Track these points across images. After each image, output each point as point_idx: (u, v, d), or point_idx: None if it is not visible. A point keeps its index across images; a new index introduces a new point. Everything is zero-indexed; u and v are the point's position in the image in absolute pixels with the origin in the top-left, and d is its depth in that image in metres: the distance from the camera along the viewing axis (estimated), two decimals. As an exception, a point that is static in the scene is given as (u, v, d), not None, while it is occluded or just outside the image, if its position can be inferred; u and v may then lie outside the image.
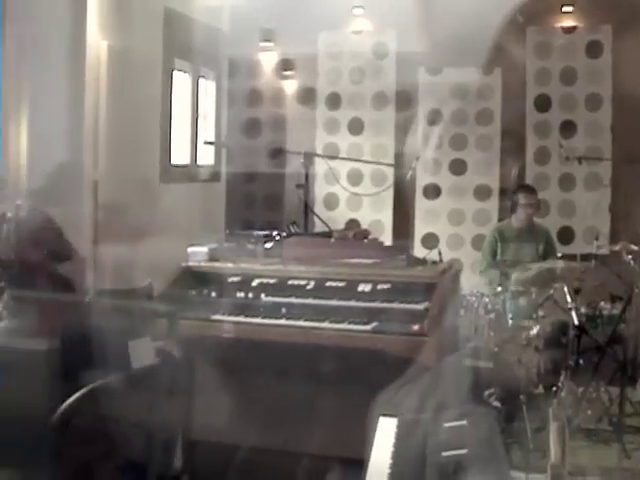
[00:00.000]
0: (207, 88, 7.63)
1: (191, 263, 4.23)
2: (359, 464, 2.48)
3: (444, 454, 2.22)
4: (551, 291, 5.16)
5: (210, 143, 7.49)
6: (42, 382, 2.38)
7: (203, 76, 7.49)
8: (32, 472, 2.35)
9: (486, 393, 4.40)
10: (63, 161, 4.67)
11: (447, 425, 2.38)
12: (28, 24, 4.48)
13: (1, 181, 4.34)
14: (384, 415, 2.83)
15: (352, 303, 4.01)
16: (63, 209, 3.17)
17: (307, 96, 7.79)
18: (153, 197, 5.55)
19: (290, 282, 4.11)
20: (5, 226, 2.57)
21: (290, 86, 7.93)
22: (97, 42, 5.21)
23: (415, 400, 2.76)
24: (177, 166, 6.71)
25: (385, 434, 2.67)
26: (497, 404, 4.45)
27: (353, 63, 7.61)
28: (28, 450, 2.29)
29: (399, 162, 7.09)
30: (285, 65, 7.87)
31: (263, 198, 7.89)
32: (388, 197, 7.45)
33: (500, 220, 6.77)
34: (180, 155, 6.85)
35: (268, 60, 7.92)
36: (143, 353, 2.65)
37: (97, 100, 5.18)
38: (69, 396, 2.29)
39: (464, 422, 2.41)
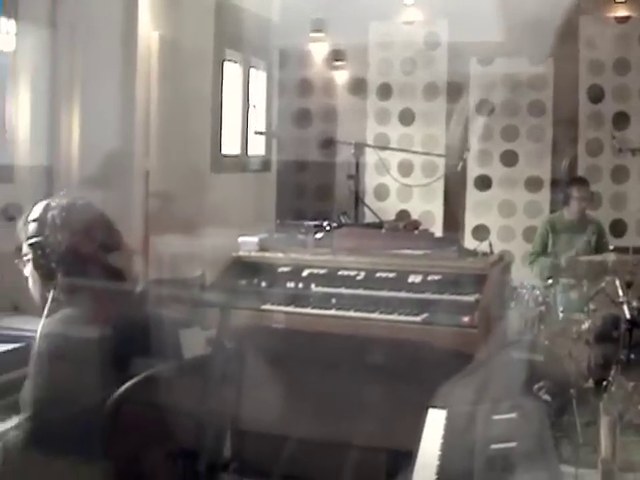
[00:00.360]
0: (258, 78, 7.65)
1: (242, 253, 4.25)
2: (408, 456, 2.48)
3: (493, 447, 2.22)
4: (602, 284, 5.10)
5: (261, 133, 7.52)
6: (95, 370, 2.40)
7: (254, 66, 7.51)
8: (84, 459, 2.38)
9: (536, 386, 4.37)
10: (114, 151, 4.71)
11: (496, 418, 2.38)
12: (80, 15, 4.52)
13: (51, 171, 4.40)
14: (433, 407, 2.83)
15: (402, 294, 4.01)
16: (114, 199, 3.20)
17: (358, 86, 7.79)
18: (204, 187, 5.58)
19: (340, 272, 4.12)
20: (50, 214, 2.59)
21: (341, 76, 7.93)
22: (149, 33, 5.24)
23: (465, 392, 2.76)
24: (228, 156, 6.74)
25: (434, 426, 2.67)
26: (547, 398, 4.42)
27: (404, 53, 7.59)
28: (81, 437, 2.31)
29: (450, 153, 7.07)
30: (336, 55, 7.87)
31: (313, 188, 7.89)
32: (439, 188, 7.43)
33: (552, 212, 6.72)
34: (231, 145, 6.88)
35: (319, 50, 7.93)
36: (194, 342, 2.67)
37: (148, 90, 5.21)
38: (121, 384, 2.31)
39: (514, 415, 2.41)
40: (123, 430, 2.30)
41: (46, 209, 2.61)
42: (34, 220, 2.60)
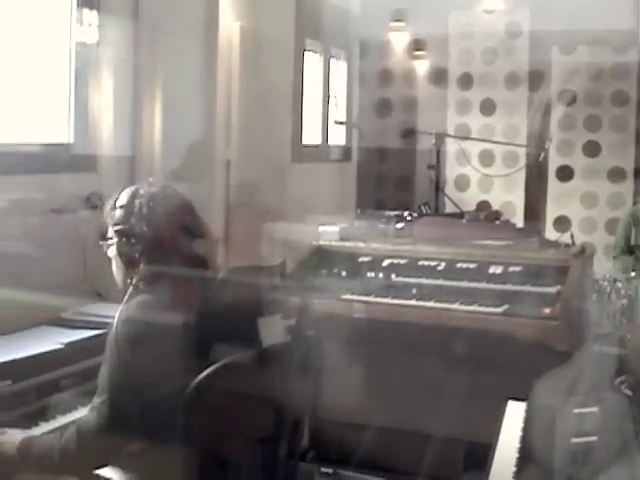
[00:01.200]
0: (338, 68, 7.66)
1: (322, 242, 4.25)
2: (486, 448, 2.46)
3: (574, 440, 2.19)
4: (687, 278, 5.00)
5: (341, 123, 7.53)
6: (172, 356, 2.43)
7: (334, 56, 7.52)
8: (159, 444, 2.40)
9: (617, 380, 4.31)
10: (196, 141, 4.75)
11: (577, 411, 2.35)
12: (162, 6, 4.57)
13: (134, 161, 4.45)
14: (513, 399, 2.81)
15: (483, 285, 3.99)
16: (195, 188, 3.23)
17: (438, 76, 7.75)
18: (284, 177, 5.60)
19: (421, 263, 4.11)
20: (137, 201, 2.62)
21: (421, 66, 7.90)
22: (230, 24, 5.28)
23: (545, 384, 2.73)
24: (308, 146, 6.76)
25: (514, 418, 2.66)
26: (628, 392, 4.35)
27: (485, 43, 7.52)
28: (156, 422, 2.34)
29: (531, 143, 7.00)
30: (416, 45, 7.84)
31: (394, 178, 7.87)
32: (520, 178, 7.36)
33: (635, 203, 6.61)
34: (311, 135, 6.89)
35: (399, 40, 7.90)
36: (273, 331, 2.68)
37: (230, 80, 5.25)
38: (199, 371, 2.33)
39: (595, 409, 2.37)
40: (202, 416, 2.33)
41: (133, 196, 2.64)
42: (121, 206, 2.63)
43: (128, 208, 2.62)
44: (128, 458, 2.52)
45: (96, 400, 2.49)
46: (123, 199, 2.65)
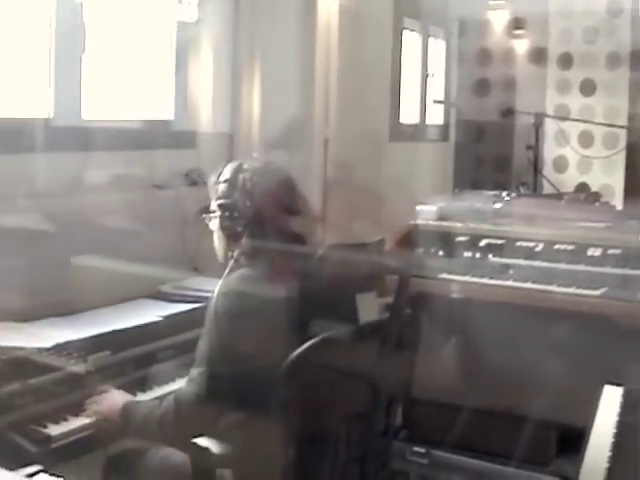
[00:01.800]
0: (436, 47, 7.61)
1: (420, 221, 4.24)
2: (581, 432, 2.44)
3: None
4: None
5: (439, 102, 7.49)
6: (269, 330, 2.45)
7: (432, 35, 7.47)
8: (254, 416, 2.43)
9: None
10: (294, 119, 4.77)
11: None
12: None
13: (232, 138, 4.49)
14: (609, 383, 2.77)
15: (581, 267, 3.92)
16: (294, 166, 3.25)
17: (538, 56, 7.63)
18: (382, 155, 5.59)
19: (518, 243, 4.06)
20: (241, 176, 2.65)
21: (521, 45, 7.79)
22: (329, 1, 5.27)
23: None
24: (406, 125, 6.74)
25: (610, 403, 2.62)
26: None
27: (586, 22, 7.36)
28: (252, 394, 2.37)
29: (632, 124, 6.86)
30: (516, 24, 7.73)
31: (491, 158, 7.79)
32: (620, 160, 7.20)
33: None
34: (409, 114, 6.87)
35: (498, 19, 7.80)
36: (370, 308, 2.68)
37: (328, 58, 5.25)
38: (296, 345, 2.35)
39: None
40: (299, 390, 2.35)
41: (237, 171, 2.67)
42: (225, 181, 2.66)
43: (232, 182, 2.65)
44: (224, 429, 2.56)
45: (194, 372, 2.54)
46: (227, 173, 2.68)
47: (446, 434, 3.96)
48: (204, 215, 2.75)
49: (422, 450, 4.06)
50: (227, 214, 2.64)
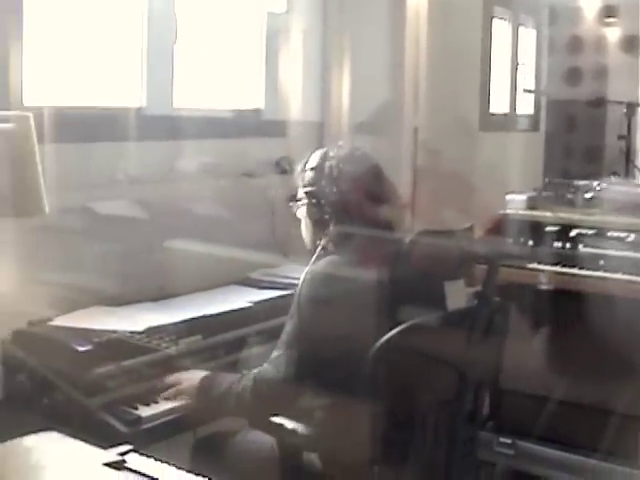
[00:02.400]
0: (527, 36, 7.52)
1: (509, 211, 4.21)
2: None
3: None
4: None
5: (529, 91, 7.40)
6: (360, 315, 2.46)
7: (523, 24, 7.38)
8: (341, 401, 2.45)
9: None
10: (384, 107, 4.77)
11: None
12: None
13: (322, 126, 4.51)
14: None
15: (675, 258, 3.86)
16: (383, 154, 3.25)
17: (631, 44, 7.48)
18: (472, 144, 5.56)
19: (609, 234, 4.00)
20: (327, 163, 2.67)
21: (612, 33, 7.65)
22: (419, -10, 5.26)
23: None
24: (496, 114, 6.68)
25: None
26: None
27: (681, 9, 7.22)
28: (336, 378, 2.39)
29: None
30: (607, 12, 7.59)
31: (582, 148, 7.67)
32: None
33: None
34: (499, 104, 6.81)
35: (589, 6, 7.67)
36: (458, 295, 2.68)
37: (417, 46, 5.23)
38: (385, 332, 2.36)
39: None
40: (386, 375, 2.36)
41: (324, 158, 2.69)
42: (312, 169, 2.69)
43: (318, 170, 2.67)
44: (308, 412, 2.59)
45: (275, 353, 2.57)
46: (313, 161, 2.70)
47: (533, 425, 3.93)
48: (291, 203, 2.78)
49: (508, 441, 4.04)
50: (314, 201, 2.66)
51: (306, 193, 2.69)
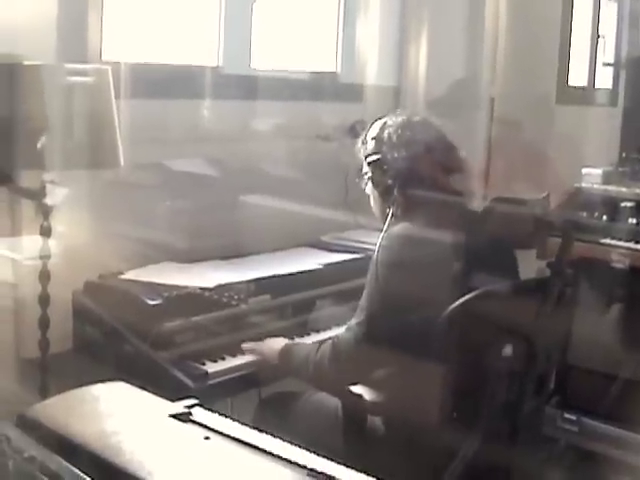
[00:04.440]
0: (609, 8, 7.38)
1: (584, 185, 4.16)
2: None
3: None
4: None
5: (609, 65, 7.27)
6: (430, 281, 2.45)
7: (605, -4, 7.25)
8: (416, 368, 2.44)
9: None
10: (461, 76, 4.73)
11: None
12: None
13: (398, 91, 4.49)
14: None
15: None
16: (459, 123, 3.22)
17: None
18: (549, 117, 5.48)
19: (685, 211, 3.94)
20: (386, 131, 2.66)
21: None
22: (499, -40, 5.18)
23: None
24: (574, 87, 6.58)
25: None
26: None
27: None
28: (415, 347, 2.37)
29: None
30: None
31: (661, 124, 7.53)
32: None
33: None
34: (578, 77, 6.70)
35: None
36: (531, 265, 2.66)
37: (497, 16, 5.16)
38: (456, 298, 2.34)
39: None
40: (457, 342, 2.35)
41: (383, 127, 2.69)
42: (372, 138, 2.69)
43: (378, 139, 2.67)
44: (379, 378, 2.58)
45: (353, 321, 2.57)
46: (373, 131, 2.71)
47: (598, 403, 3.90)
48: (357, 179, 2.78)
49: (573, 417, 4.01)
50: (378, 170, 2.66)
51: (368, 163, 2.69)
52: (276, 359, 2.72)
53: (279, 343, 2.78)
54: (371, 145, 2.69)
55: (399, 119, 2.70)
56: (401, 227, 2.59)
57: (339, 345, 2.57)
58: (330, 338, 2.64)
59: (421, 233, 2.54)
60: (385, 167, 2.64)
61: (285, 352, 2.72)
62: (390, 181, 2.64)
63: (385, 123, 2.70)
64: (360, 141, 2.77)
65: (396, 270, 2.50)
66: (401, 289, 2.45)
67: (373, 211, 2.79)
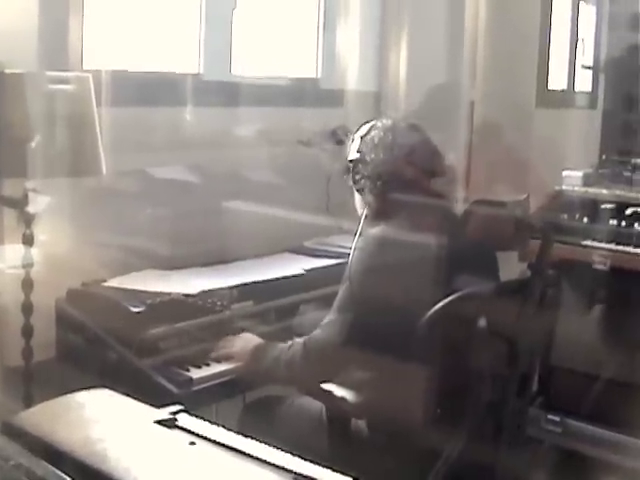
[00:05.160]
0: (587, 12, 7.42)
1: (565, 187, 4.18)
2: None
3: None
4: None
5: (588, 68, 7.31)
6: (409, 284, 2.46)
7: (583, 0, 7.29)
8: (396, 368, 2.45)
9: None
10: (441, 80, 4.75)
11: None
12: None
13: (379, 96, 4.51)
14: None
15: None
16: (439, 127, 3.23)
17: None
18: (529, 120, 5.51)
19: (666, 212, 3.96)
20: (372, 133, 2.70)
21: (676, 12, 7.52)
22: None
23: None
24: (554, 90, 6.61)
25: None
26: None
27: None
28: (393, 347, 2.38)
29: None
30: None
31: (640, 126, 7.57)
32: None
33: None
34: (557, 80, 6.73)
35: (654, -16, 7.55)
36: (511, 267, 2.68)
37: (476, 20, 5.19)
38: (436, 300, 2.36)
39: None
40: (438, 344, 2.36)
41: (370, 129, 2.72)
42: (360, 137, 2.72)
43: (364, 140, 2.70)
44: (357, 379, 2.60)
45: (326, 319, 2.59)
46: (361, 132, 2.74)
47: (582, 404, 3.91)
48: (345, 176, 2.81)
49: (557, 418, 4.02)
50: (357, 169, 2.69)
51: (350, 161, 2.71)
52: (248, 359, 2.73)
53: (251, 342, 2.79)
54: (355, 145, 2.73)
55: (388, 122, 2.73)
56: (377, 229, 2.61)
57: (310, 343, 2.60)
58: (302, 337, 2.66)
59: (397, 235, 2.55)
60: (363, 167, 2.67)
61: (257, 351, 2.73)
62: (366, 181, 2.67)
63: (373, 125, 2.74)
64: (350, 140, 2.80)
65: (369, 271, 2.53)
66: (374, 291, 2.47)
67: (356, 211, 2.81)
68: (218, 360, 2.79)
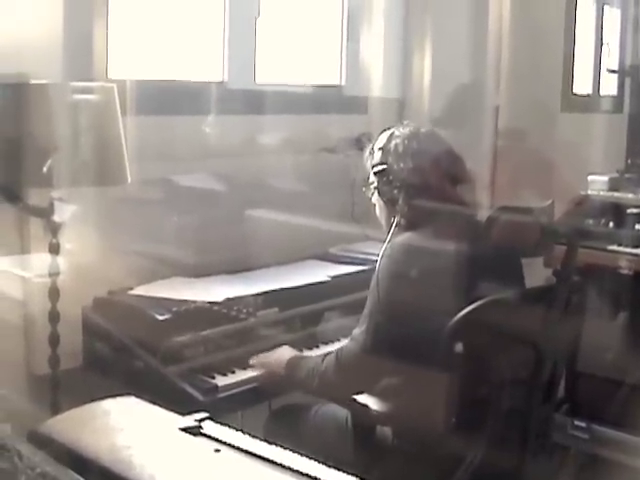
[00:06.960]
0: (612, 16, 7.39)
1: (590, 192, 4.17)
2: None
3: None
4: None
5: (614, 72, 7.27)
6: (437, 291, 2.46)
7: (608, 3, 7.25)
8: (423, 377, 2.45)
9: None
10: (465, 85, 4.74)
11: None
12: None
13: (403, 103, 4.50)
14: None
15: None
16: (464, 132, 3.23)
17: None
18: (554, 125, 5.49)
19: (695, 218, 3.94)
20: (393, 142, 2.69)
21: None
22: (502, -33, 5.20)
23: None
24: (579, 95, 6.58)
25: None
26: None
27: None
28: (420, 356, 2.38)
29: None
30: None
31: (667, 131, 7.52)
32: None
33: None
34: (582, 84, 6.71)
35: (679, -13, 7.50)
36: (536, 273, 2.67)
37: (500, 24, 5.17)
38: (462, 308, 2.36)
39: None
40: (464, 351, 2.35)
41: (390, 138, 2.71)
42: (379, 149, 2.71)
43: (385, 150, 2.69)
44: (385, 387, 2.59)
45: (356, 331, 2.59)
46: (381, 142, 2.73)
47: (608, 410, 3.90)
48: (364, 188, 2.80)
49: (583, 424, 4.01)
50: (383, 180, 2.68)
51: (375, 173, 2.71)
52: (283, 371, 2.74)
53: (286, 354, 2.79)
54: (378, 155, 2.72)
55: (406, 130, 2.72)
56: (404, 237, 2.61)
57: (343, 355, 2.60)
58: (335, 349, 2.66)
59: (424, 243, 2.55)
60: (391, 177, 2.66)
61: (292, 364, 2.74)
62: (395, 191, 2.66)
63: (392, 134, 2.72)
64: (367, 151, 2.79)
65: (397, 279, 2.52)
66: (402, 298, 2.47)
67: (379, 221, 2.81)
68: (254, 368, 2.80)
